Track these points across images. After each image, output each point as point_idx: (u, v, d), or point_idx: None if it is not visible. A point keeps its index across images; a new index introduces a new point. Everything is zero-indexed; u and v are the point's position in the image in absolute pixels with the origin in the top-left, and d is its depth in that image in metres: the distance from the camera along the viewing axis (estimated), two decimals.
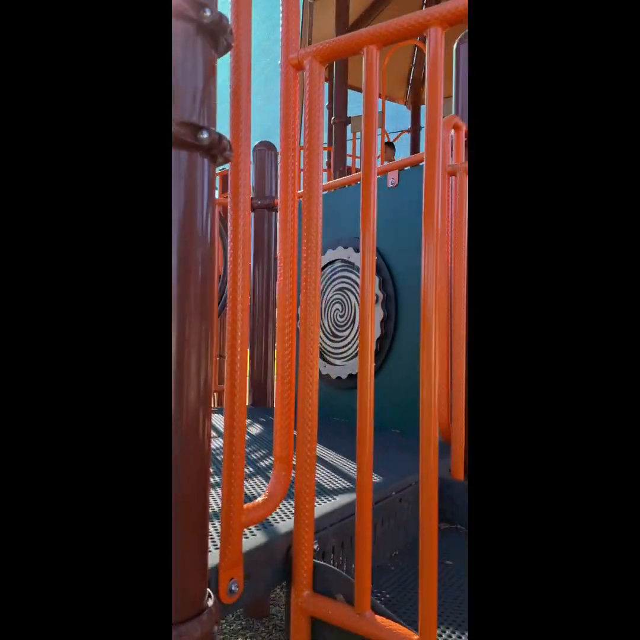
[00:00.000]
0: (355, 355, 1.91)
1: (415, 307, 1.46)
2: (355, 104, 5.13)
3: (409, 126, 5.75)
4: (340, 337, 1.96)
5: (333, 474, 1.12)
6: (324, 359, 2.00)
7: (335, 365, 1.96)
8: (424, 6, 5.22)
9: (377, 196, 1.87)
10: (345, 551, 0.88)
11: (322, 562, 0.74)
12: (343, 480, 1.08)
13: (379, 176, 1.75)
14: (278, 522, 0.83)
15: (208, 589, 0.62)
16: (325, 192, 2.00)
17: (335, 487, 1.02)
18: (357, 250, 1.89)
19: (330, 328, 1.99)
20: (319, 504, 0.90)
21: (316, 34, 4.83)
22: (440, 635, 0.76)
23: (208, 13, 0.57)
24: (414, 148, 5.31)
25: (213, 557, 0.67)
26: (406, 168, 1.71)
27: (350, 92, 4.61)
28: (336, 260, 1.95)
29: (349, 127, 4.13)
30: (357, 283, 1.90)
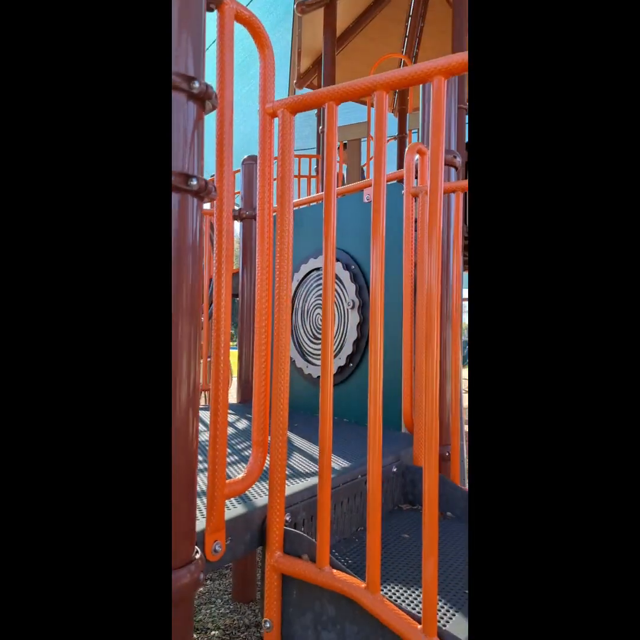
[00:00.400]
0: (336, 356, 2.06)
1: (387, 311, 1.63)
2: (342, 119, 5.28)
3: (396, 133, 5.91)
4: (319, 339, 2.11)
5: (308, 461, 1.27)
6: (306, 360, 2.15)
7: (317, 365, 2.11)
8: (409, 19, 5.39)
9: (354, 210, 2.03)
10: (314, 523, 1.03)
11: (291, 529, 0.89)
12: (316, 466, 1.23)
13: (355, 192, 1.90)
14: (256, 498, 0.98)
15: (197, 548, 0.77)
16: (307, 206, 2.15)
17: (308, 471, 1.17)
18: (336, 260, 2.04)
19: (312, 331, 2.14)
20: (293, 484, 1.05)
21: (305, 45, 4.99)
22: (384, 586, 0.92)
23: (197, 85, 0.72)
24: (400, 154, 5.46)
25: (201, 525, 0.82)
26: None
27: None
28: (318, 268, 2.11)
29: None
30: (337, 292, 2.05)
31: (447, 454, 1.45)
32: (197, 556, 0.75)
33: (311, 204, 2.20)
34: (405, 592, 0.92)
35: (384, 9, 5.20)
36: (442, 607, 0.86)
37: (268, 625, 0.88)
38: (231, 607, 2.23)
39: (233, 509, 0.91)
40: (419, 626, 0.73)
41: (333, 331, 0.89)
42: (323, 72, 4.48)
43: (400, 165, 5.59)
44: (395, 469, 1.34)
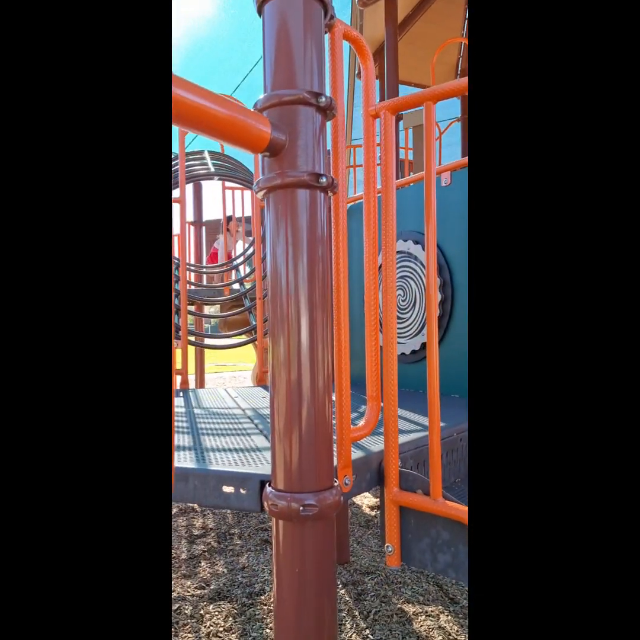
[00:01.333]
0: (417, 334, 2.20)
1: (466, 290, 1.73)
2: None
3: (459, 115, 5.90)
4: (403, 318, 2.25)
5: (406, 422, 1.43)
6: None
7: (401, 343, 2.25)
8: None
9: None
10: (419, 470, 1.19)
11: (405, 469, 1.05)
12: (415, 426, 1.38)
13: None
14: (373, 446, 1.14)
15: (335, 479, 0.94)
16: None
17: (410, 429, 1.32)
18: (415, 243, 2.17)
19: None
20: (400, 438, 1.21)
21: (367, 35, 5.08)
22: None
23: (323, 99, 0.88)
24: (464, 136, 5.46)
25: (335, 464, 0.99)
26: (458, 169, 1.98)
27: (401, 87, 4.84)
28: (399, 252, 2.24)
29: (400, 123, 4.37)
30: (416, 272, 2.18)
31: None
32: (336, 484, 0.92)
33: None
34: None
35: None
36: None
37: (390, 549, 1.04)
38: None
39: (355, 454, 1.08)
40: None
41: (437, 310, 1.03)
42: (386, 60, 4.57)
43: (464, 149, 5.58)
44: None
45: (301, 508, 0.84)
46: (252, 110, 0.85)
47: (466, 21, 5.72)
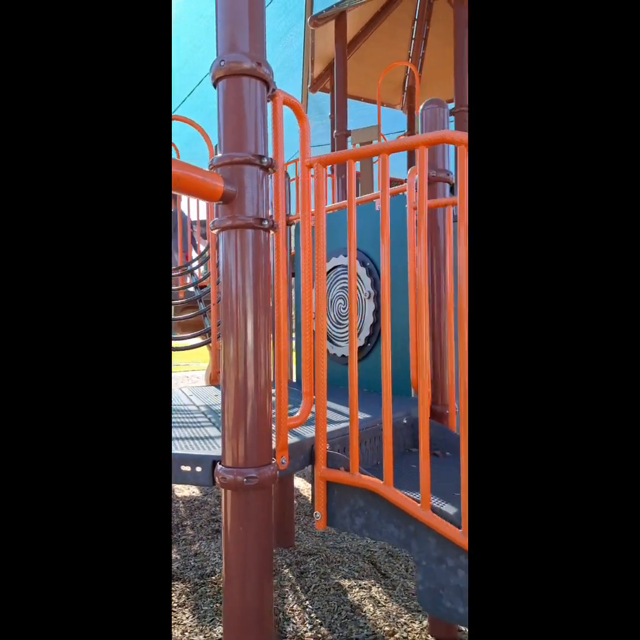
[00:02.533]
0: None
1: (397, 300, 2.01)
2: (355, 115, 5.63)
3: (405, 130, 6.27)
4: (343, 324, 2.52)
5: (336, 414, 1.68)
6: (331, 342, 2.56)
7: (340, 346, 2.52)
8: (415, 23, 5.71)
9: (368, 216, 2.42)
10: (345, 452, 1.44)
11: (332, 451, 1.30)
12: (345, 417, 1.64)
13: (368, 202, 2.29)
14: (305, 434, 1.39)
15: (274, 458, 1.18)
16: (329, 213, 2.55)
17: (339, 420, 1.58)
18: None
19: (335, 318, 2.55)
20: (328, 427, 1.46)
21: (318, 52, 5.35)
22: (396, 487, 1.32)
23: (265, 160, 1.12)
24: (410, 153, 5.81)
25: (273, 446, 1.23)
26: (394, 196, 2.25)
27: (350, 102, 5.13)
28: (339, 265, 2.51)
29: (349, 139, 4.65)
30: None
31: (446, 412, 1.85)
32: (273, 462, 1.17)
33: (328, 212, 2.59)
34: (411, 491, 1.33)
35: (392, 13, 5.53)
36: (434, 499, 1.27)
37: (318, 515, 1.29)
38: (274, 550, 2.66)
39: (292, 439, 1.33)
40: (418, 504, 1.14)
41: (356, 318, 1.29)
42: (335, 77, 4.85)
43: (409, 160, 5.94)
44: (405, 421, 1.75)
45: (245, 479, 1.08)
46: (208, 169, 1.08)
47: (413, 41, 6.08)
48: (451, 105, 4.06)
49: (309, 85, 5.86)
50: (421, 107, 1.95)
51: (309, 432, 1.42)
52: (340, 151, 1.26)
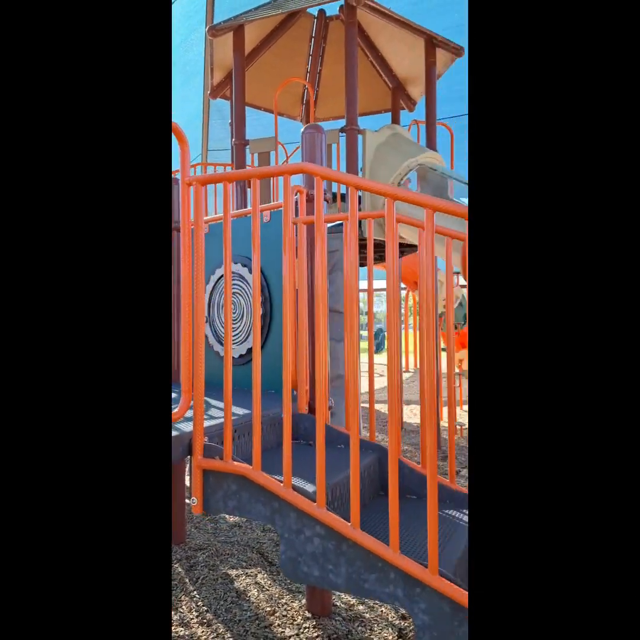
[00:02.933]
0: (244, 341, 2.62)
1: (280, 307, 2.19)
2: (255, 124, 5.79)
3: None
4: (234, 328, 2.66)
5: (218, 411, 1.83)
6: (222, 344, 2.69)
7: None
8: (312, 39, 5.98)
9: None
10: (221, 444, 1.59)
11: (208, 442, 1.45)
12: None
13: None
14: (184, 428, 1.52)
15: None
16: (216, 223, 2.68)
17: (218, 416, 1.73)
18: (243, 265, 2.59)
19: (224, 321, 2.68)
20: (207, 421, 1.60)
21: (217, 60, 5.44)
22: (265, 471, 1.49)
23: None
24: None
25: None
26: (276, 210, 2.44)
27: (248, 110, 5.26)
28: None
29: (247, 148, 4.79)
30: (244, 289, 2.60)
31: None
32: None
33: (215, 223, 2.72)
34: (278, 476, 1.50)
35: (290, 29, 5.75)
36: (297, 479, 1.45)
37: (194, 501, 1.43)
38: None
39: (173, 433, 1.45)
40: (282, 484, 1.31)
41: (230, 330, 1.44)
42: (234, 86, 4.98)
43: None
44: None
45: None
46: None
47: (310, 57, 6.35)
48: (343, 123, 4.31)
49: (209, 93, 5.92)
50: (302, 130, 2.15)
51: (188, 427, 1.55)
52: (216, 174, 1.41)
